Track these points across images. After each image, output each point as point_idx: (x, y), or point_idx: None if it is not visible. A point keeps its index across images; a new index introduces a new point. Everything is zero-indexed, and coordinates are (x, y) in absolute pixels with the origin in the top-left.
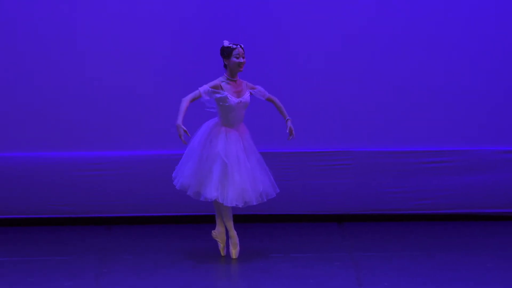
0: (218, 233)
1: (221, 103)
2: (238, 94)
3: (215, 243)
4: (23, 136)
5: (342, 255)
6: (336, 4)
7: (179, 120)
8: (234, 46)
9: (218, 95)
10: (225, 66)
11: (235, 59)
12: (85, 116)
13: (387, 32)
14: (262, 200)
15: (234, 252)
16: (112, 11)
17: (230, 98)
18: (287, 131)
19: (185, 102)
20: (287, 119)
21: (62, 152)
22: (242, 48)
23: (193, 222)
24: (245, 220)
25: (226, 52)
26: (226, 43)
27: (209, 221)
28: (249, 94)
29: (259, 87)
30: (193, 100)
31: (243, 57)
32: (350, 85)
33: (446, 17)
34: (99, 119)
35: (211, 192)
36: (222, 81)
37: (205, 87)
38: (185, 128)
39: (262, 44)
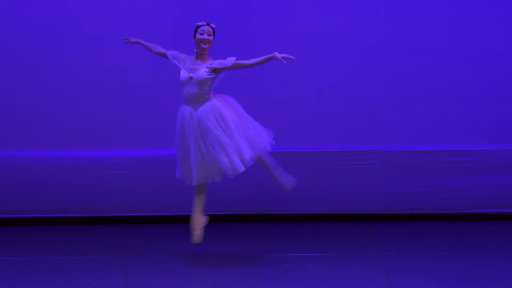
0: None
1: None
2: (193, 70)
3: (244, 243)
4: (38, 136)
5: (370, 255)
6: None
7: (138, 39)
8: (201, 24)
9: (175, 61)
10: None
11: (198, 35)
12: (107, 115)
13: (411, 31)
14: (210, 179)
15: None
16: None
17: (181, 73)
18: (284, 59)
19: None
20: (273, 56)
21: (88, 152)
22: (212, 28)
23: (222, 221)
24: (272, 219)
25: (194, 30)
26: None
27: (237, 220)
28: (204, 70)
29: (219, 60)
30: (158, 53)
31: (208, 35)
32: (377, 85)
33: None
34: (120, 119)
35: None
36: (188, 56)
37: (175, 51)
38: (131, 40)
39: (289, 41)
